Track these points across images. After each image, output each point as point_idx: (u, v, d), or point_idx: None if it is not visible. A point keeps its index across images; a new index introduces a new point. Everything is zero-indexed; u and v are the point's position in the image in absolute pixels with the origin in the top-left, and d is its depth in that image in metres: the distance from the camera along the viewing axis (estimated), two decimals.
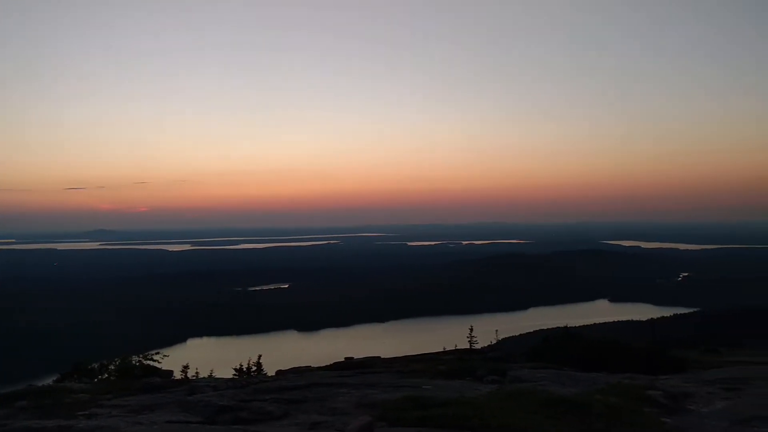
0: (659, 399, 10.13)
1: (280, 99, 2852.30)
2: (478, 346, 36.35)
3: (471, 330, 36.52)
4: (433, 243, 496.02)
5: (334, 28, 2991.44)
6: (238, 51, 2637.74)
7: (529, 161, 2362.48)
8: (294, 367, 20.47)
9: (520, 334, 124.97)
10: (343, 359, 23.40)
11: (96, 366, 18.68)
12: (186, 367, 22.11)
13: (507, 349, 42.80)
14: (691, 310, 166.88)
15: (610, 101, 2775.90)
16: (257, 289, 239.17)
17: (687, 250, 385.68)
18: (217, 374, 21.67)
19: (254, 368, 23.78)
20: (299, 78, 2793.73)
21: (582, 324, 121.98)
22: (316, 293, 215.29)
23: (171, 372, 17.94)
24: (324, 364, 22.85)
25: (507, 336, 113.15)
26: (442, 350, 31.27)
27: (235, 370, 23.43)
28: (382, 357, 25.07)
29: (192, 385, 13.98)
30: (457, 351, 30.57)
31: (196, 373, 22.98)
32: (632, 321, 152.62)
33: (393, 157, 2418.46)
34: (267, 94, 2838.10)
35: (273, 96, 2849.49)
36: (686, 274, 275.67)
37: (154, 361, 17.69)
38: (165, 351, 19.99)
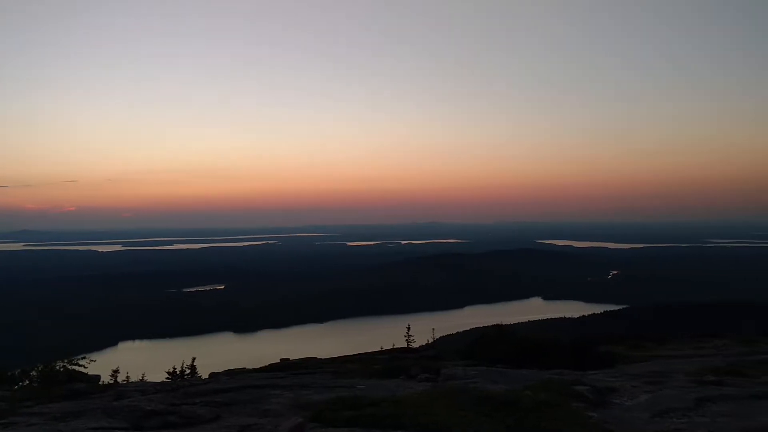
0: (586, 394, 10.41)
1: (216, 97, 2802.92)
2: (415, 345, 36.66)
3: (408, 329, 36.80)
4: (372, 243, 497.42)
5: (281, 25, 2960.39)
6: (170, 47, 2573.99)
7: (466, 163, 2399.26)
8: (228, 370, 20.14)
9: (457, 333, 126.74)
10: (278, 360, 23.17)
11: (16, 372, 17.84)
12: (116, 371, 21.40)
13: (443, 347, 43.30)
14: (620, 306, 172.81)
15: (546, 105, 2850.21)
16: (192, 290, 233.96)
17: (616, 249, 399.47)
18: (149, 378, 21.09)
19: (188, 371, 23.27)
20: (235, 75, 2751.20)
21: (516, 322, 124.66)
22: (253, 294, 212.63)
23: (98, 377, 17.29)
24: (259, 366, 22.58)
25: (444, 334, 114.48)
26: (378, 350, 31.34)
27: (168, 373, 22.85)
28: (319, 358, 24.97)
29: (119, 390, 13.54)
30: (392, 350, 30.71)
31: (127, 377, 22.29)
32: (564, 318, 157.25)
33: (332, 157, 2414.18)
34: (202, 92, 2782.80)
35: (208, 94, 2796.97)
36: (615, 272, 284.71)
37: (80, 366, 16.97)
38: (94, 355, 19.23)
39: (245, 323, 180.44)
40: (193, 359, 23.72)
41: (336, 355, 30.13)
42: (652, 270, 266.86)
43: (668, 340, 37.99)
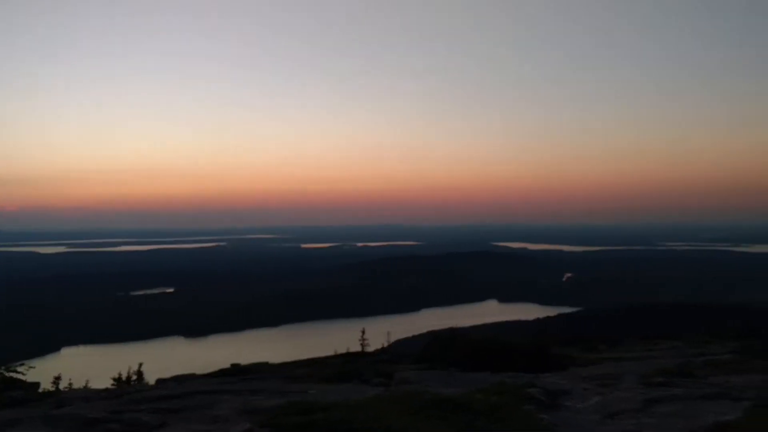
0: (538, 396, 10.45)
1: (165, 95, 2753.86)
2: (369, 349, 36.61)
3: (363, 332, 36.80)
4: (327, 245, 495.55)
5: (233, 22, 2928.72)
6: (113, 44, 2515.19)
7: (422, 163, 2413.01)
8: (176, 375, 19.64)
9: (412, 336, 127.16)
10: (229, 365, 22.78)
11: None
12: (57, 378, 20.64)
13: (398, 350, 43.33)
14: (574, 309, 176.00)
15: (504, 107, 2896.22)
16: (140, 293, 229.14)
17: (571, 251, 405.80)
18: (93, 385, 20.40)
19: (134, 377, 22.66)
20: (184, 73, 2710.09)
21: (471, 324, 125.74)
22: (203, 297, 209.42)
23: (37, 384, 16.57)
24: (209, 371, 22.13)
25: (399, 338, 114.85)
26: (332, 354, 31.12)
27: (114, 379, 22.20)
28: (271, 362, 24.64)
29: (60, 398, 13.02)
30: (346, 354, 30.54)
31: (69, 384, 21.52)
32: (519, 321, 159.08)
33: (285, 157, 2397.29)
34: (149, 89, 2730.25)
35: (156, 91, 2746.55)
36: (570, 274, 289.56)
37: (18, 372, 16.28)
38: (35, 362, 18.56)
39: (195, 327, 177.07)
40: (140, 365, 23.12)
41: (288, 360, 29.80)
42: (605, 272, 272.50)
43: (620, 342, 38.86)
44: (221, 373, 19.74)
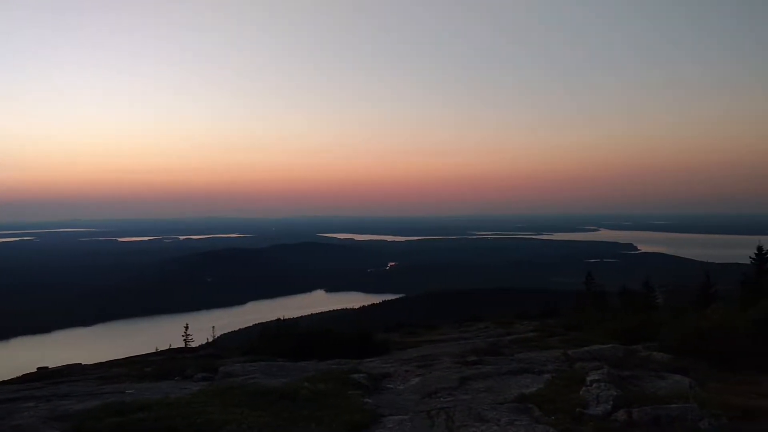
0: (362, 381, 10.80)
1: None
2: (194, 344, 35.54)
3: (186, 328, 35.68)
4: (147, 238, 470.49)
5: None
6: None
7: (247, 154, 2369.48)
8: None
9: (239, 329, 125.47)
10: (35, 370, 20.93)
11: None
12: None
13: (224, 344, 42.44)
14: (397, 296, 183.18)
15: (337, 100, 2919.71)
16: None
17: (394, 241, 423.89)
18: None
19: None
20: None
21: (299, 315, 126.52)
22: (4, 297, 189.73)
23: None
24: (10, 378, 20.19)
25: (225, 332, 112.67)
26: (153, 351, 29.75)
27: None
28: (84, 364, 22.98)
29: None
30: (169, 351, 29.39)
31: None
32: (345, 309, 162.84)
33: (101, 145, 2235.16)
34: None
35: None
36: (393, 263, 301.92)
37: None
38: None
39: None
40: None
41: (105, 360, 28.03)
42: (425, 260, 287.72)
43: (439, 325, 41.24)
44: (25, 379, 18.03)
